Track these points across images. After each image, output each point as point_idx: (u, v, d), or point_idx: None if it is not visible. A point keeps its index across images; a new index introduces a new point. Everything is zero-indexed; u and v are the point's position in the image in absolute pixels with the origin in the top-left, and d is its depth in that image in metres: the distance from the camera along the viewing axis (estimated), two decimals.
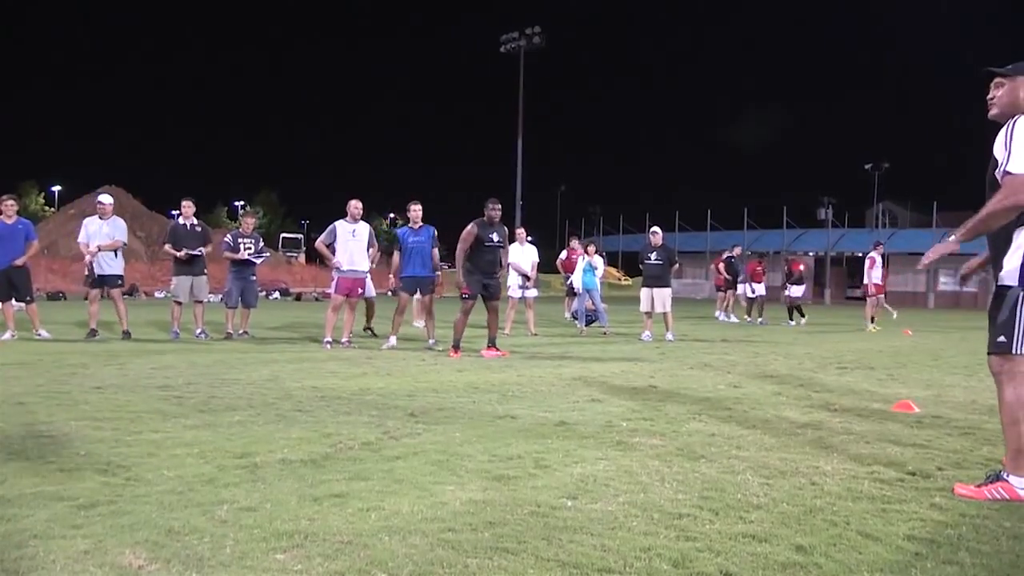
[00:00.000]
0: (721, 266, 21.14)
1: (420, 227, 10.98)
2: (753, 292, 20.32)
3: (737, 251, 21.37)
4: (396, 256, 11.29)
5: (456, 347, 9.99)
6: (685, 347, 12.08)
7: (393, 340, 10.80)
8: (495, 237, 9.94)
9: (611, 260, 31.84)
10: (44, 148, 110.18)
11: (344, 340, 10.88)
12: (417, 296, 11.38)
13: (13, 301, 11.24)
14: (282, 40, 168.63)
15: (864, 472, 4.12)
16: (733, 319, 20.32)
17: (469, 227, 9.93)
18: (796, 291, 20.27)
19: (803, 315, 20.41)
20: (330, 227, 11.00)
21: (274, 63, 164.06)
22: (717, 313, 21.08)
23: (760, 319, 20.15)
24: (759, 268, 20.51)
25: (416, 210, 10.96)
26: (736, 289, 20.94)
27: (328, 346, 10.61)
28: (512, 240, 13.56)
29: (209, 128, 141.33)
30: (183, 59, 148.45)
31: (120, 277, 11.72)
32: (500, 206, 9.95)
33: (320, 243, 11.10)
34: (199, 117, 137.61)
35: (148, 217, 47.74)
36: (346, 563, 2.66)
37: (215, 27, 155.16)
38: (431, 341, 10.85)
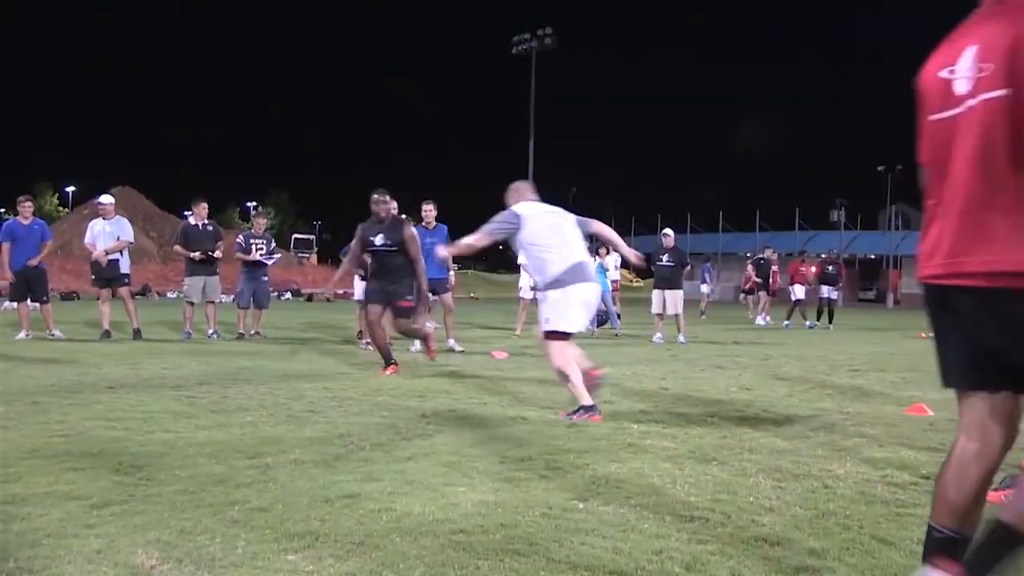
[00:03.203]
0: (751, 268, 20.50)
1: (435, 227, 10.71)
2: (794, 295, 19.17)
3: (768, 252, 20.43)
4: None
5: (388, 363, 7.98)
6: (697, 349, 12.05)
7: (418, 344, 10.19)
8: (378, 240, 8.10)
9: (623, 262, 31.83)
10: (58, 149, 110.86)
11: (364, 341, 10.71)
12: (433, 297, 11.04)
13: (28, 301, 11.31)
14: (294, 40, 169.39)
15: (877, 475, 4.09)
16: (767, 320, 19.58)
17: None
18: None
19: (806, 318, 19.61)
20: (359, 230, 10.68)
21: (285, 64, 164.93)
22: (756, 318, 19.99)
23: (806, 322, 18.98)
24: (802, 269, 19.33)
25: (428, 210, 10.71)
26: (768, 292, 20.03)
27: (370, 347, 10.40)
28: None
29: (221, 129, 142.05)
30: (195, 59, 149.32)
31: (126, 276, 11.74)
32: (388, 200, 8.21)
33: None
34: (211, 118, 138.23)
35: (160, 217, 47.90)
36: (357, 564, 2.66)
37: (226, 27, 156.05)
38: (450, 342, 10.65)
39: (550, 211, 6.07)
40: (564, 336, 5.75)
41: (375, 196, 8.17)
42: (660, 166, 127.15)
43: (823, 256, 20.62)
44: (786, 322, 19.18)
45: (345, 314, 18.14)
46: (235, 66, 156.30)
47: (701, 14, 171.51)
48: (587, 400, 5.61)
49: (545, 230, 5.84)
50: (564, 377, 5.72)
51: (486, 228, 5.93)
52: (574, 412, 5.56)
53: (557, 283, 5.69)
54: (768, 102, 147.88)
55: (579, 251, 5.88)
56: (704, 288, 24.74)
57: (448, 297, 10.98)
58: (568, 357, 5.78)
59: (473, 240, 5.98)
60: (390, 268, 8.17)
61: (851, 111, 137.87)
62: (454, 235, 10.69)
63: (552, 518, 3.22)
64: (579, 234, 5.99)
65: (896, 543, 3.02)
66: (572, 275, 5.71)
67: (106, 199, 12.05)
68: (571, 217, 6.07)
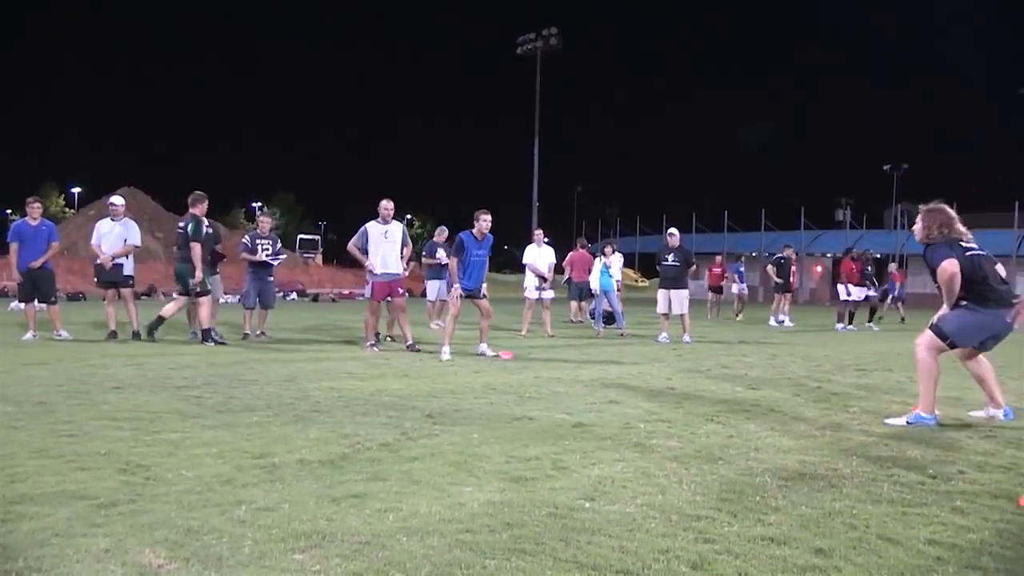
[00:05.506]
0: (771, 268, 19.33)
1: (484, 238, 10.20)
2: (849, 295, 18.15)
3: (788, 252, 19.44)
4: (454, 263, 10.21)
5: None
6: (703, 349, 12.04)
7: (447, 350, 9.70)
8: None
9: (628, 261, 31.51)
10: (63, 149, 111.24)
11: (408, 342, 10.51)
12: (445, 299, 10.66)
13: (36, 303, 11.34)
14: (298, 40, 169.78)
15: (884, 475, 4.09)
16: (788, 322, 18.99)
17: None
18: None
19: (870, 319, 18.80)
20: (361, 229, 10.59)
21: (290, 63, 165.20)
22: (772, 319, 19.26)
23: (869, 324, 18.28)
24: (854, 268, 18.19)
25: (487, 221, 10.05)
26: (788, 292, 19.32)
27: (374, 349, 10.36)
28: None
29: (227, 129, 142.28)
30: (201, 58, 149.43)
31: (130, 278, 11.75)
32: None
33: (352, 246, 10.66)
34: (217, 118, 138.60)
35: (166, 218, 48.06)
36: (364, 564, 2.66)
37: (232, 28, 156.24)
38: (482, 347, 10.19)
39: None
40: None
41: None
42: (664, 166, 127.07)
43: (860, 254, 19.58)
44: (851, 327, 18.11)
45: (350, 315, 18.15)
46: (244, 66, 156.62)
47: (705, 10, 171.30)
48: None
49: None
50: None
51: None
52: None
53: None
54: (773, 100, 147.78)
55: None
56: (735, 288, 23.18)
57: (485, 302, 10.39)
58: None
59: None
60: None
61: (857, 109, 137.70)
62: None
63: (558, 517, 3.22)
64: None
65: (903, 542, 3.02)
66: None
67: (118, 200, 12.08)
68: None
